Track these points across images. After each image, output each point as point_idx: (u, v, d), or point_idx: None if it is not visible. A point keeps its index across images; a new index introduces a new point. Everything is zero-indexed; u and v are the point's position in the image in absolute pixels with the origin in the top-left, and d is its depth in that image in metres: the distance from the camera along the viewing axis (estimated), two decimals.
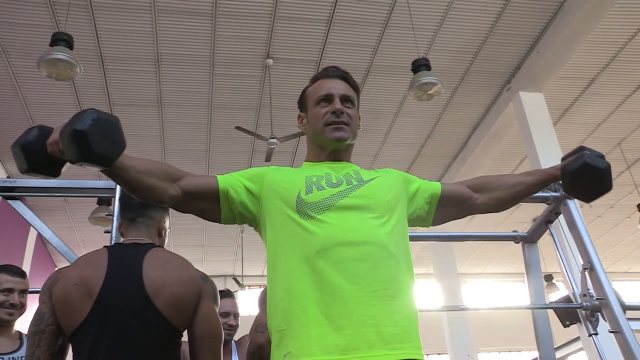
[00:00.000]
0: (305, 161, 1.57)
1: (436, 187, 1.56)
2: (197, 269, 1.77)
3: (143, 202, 1.82)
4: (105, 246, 1.83)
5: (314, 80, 1.57)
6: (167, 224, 1.94)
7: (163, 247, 1.86)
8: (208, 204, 1.43)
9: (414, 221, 1.53)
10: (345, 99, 1.50)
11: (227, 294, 2.95)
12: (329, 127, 1.46)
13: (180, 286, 1.66)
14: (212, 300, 1.73)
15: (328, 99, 1.49)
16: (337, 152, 1.50)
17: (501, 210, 1.63)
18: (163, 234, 1.90)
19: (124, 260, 1.72)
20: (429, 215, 1.54)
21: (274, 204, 1.38)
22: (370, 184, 1.42)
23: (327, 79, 1.53)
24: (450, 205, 1.56)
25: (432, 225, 1.58)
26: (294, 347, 1.21)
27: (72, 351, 1.67)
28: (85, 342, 1.61)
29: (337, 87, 1.51)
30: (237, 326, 2.88)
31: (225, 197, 1.41)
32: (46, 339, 1.64)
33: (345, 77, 1.54)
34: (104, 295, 1.64)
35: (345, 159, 1.53)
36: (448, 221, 1.60)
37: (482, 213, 1.60)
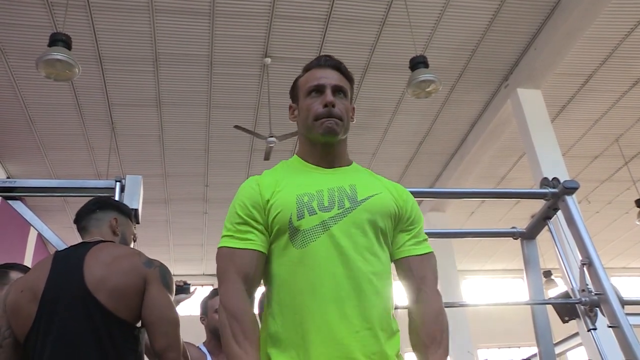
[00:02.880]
0: (296, 154, 1.50)
1: (405, 251, 1.42)
2: (144, 257, 1.74)
3: (88, 209, 1.89)
4: (56, 250, 1.85)
5: (306, 69, 1.49)
6: (123, 223, 1.94)
7: (114, 242, 1.85)
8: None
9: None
10: (337, 90, 1.43)
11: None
12: (319, 121, 1.39)
13: (121, 276, 1.65)
14: (159, 284, 1.69)
15: (319, 89, 1.42)
16: (328, 147, 1.43)
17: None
18: (117, 231, 1.90)
19: (67, 260, 1.73)
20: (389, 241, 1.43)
21: (272, 227, 1.33)
22: (364, 206, 1.34)
23: (319, 69, 1.46)
24: (398, 272, 1.43)
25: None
26: None
27: (25, 357, 1.65)
28: (35, 345, 1.61)
29: (329, 77, 1.43)
30: None
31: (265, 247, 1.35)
32: (4, 353, 1.66)
33: (338, 66, 1.47)
34: (47, 295, 1.64)
35: (338, 154, 1.45)
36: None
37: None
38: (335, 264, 1.27)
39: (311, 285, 1.26)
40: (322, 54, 6.13)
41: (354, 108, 1.52)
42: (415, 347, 1.33)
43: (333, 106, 1.40)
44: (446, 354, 1.31)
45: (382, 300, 1.30)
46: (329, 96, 1.41)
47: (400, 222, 1.42)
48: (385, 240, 1.38)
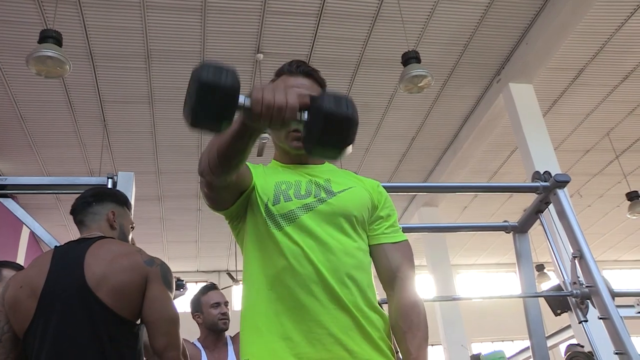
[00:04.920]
0: (273, 159, 1.52)
1: (379, 238, 1.42)
2: (145, 255, 1.74)
3: (84, 201, 1.87)
4: (55, 246, 1.84)
5: (278, 74, 1.48)
6: (120, 215, 1.92)
7: (114, 239, 1.84)
8: (229, 195, 1.33)
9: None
10: None
11: (212, 287, 2.99)
12: (290, 135, 1.40)
13: (122, 275, 1.65)
14: (160, 283, 1.70)
15: None
16: (301, 156, 1.45)
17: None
18: (115, 225, 1.88)
19: (67, 256, 1.72)
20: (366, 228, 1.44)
21: (253, 207, 1.36)
22: (339, 197, 1.37)
23: (290, 76, 1.45)
24: (376, 264, 1.43)
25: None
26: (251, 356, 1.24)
27: (24, 353, 1.65)
28: (34, 341, 1.61)
29: (300, 86, 1.41)
30: (227, 314, 2.91)
31: (248, 191, 1.35)
32: (3, 347, 1.65)
33: (310, 73, 1.46)
34: (47, 292, 1.64)
35: (311, 160, 1.47)
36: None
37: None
38: (307, 247, 1.28)
39: (284, 268, 1.27)
40: (314, 50, 6.17)
41: None
42: (395, 335, 1.33)
43: None
44: (426, 338, 1.31)
45: (357, 283, 1.29)
46: None
47: (374, 214, 1.44)
48: (361, 230, 1.39)
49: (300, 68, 1.46)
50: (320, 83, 1.48)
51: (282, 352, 1.21)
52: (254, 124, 1.05)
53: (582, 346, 5.30)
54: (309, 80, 1.45)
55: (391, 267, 1.39)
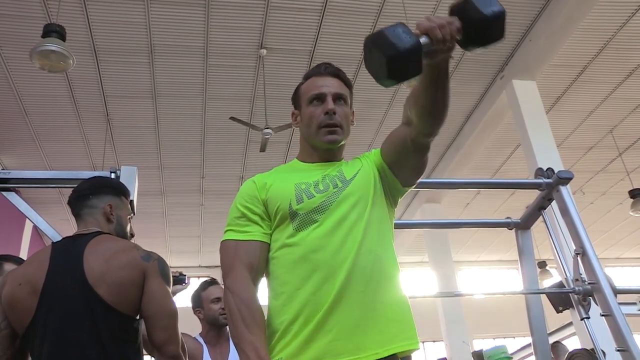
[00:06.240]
0: (296, 158, 1.58)
1: (377, 150, 1.53)
2: (142, 250, 1.74)
3: (81, 194, 1.84)
4: (52, 242, 1.83)
5: (307, 77, 1.57)
6: (118, 206, 1.89)
7: (111, 234, 1.82)
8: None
9: (394, 194, 1.51)
10: (337, 97, 1.51)
11: (212, 282, 2.99)
12: (322, 130, 1.48)
13: (121, 271, 1.65)
14: (158, 277, 1.70)
15: (320, 97, 1.50)
16: (329, 152, 1.53)
17: (436, 123, 1.42)
18: (112, 218, 1.86)
19: (66, 253, 1.71)
20: (394, 177, 1.48)
21: (276, 218, 1.40)
22: (354, 182, 1.44)
23: (319, 77, 1.53)
24: (398, 152, 1.46)
25: (406, 185, 1.50)
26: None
27: (26, 349, 1.66)
28: (35, 339, 1.61)
29: (329, 85, 1.51)
30: None
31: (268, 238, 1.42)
32: (1, 344, 1.65)
33: (337, 74, 1.54)
34: (47, 290, 1.63)
35: (336, 158, 1.55)
36: (412, 170, 1.51)
37: (425, 141, 1.45)
38: (335, 243, 1.32)
39: (312, 267, 1.30)
40: (317, 45, 6.17)
41: (353, 112, 1.59)
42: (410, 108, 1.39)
43: (334, 113, 1.48)
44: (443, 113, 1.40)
45: (384, 274, 1.34)
46: (330, 104, 1.49)
47: (387, 170, 1.48)
48: (385, 197, 1.46)
49: (328, 69, 1.55)
50: (347, 83, 1.56)
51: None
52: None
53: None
54: (337, 80, 1.53)
55: (398, 132, 1.45)
